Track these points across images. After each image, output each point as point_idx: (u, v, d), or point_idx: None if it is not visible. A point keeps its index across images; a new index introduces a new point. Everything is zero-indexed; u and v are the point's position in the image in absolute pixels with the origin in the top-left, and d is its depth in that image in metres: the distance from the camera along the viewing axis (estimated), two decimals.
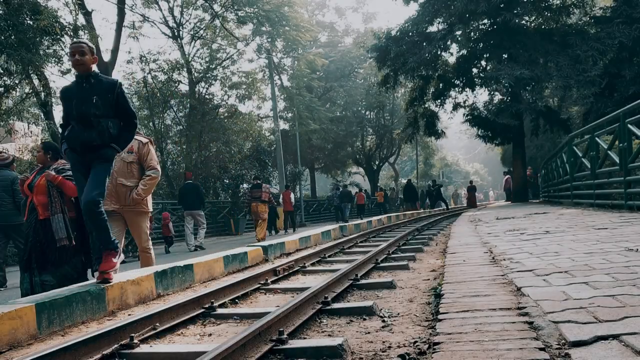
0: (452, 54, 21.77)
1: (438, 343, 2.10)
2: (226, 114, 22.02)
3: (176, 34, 21.04)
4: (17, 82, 13.55)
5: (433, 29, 20.16)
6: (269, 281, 5.29)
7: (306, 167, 34.10)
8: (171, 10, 21.12)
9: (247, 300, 4.59)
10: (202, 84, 21.11)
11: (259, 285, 5.11)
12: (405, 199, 27.76)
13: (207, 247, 12.06)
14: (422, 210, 26.43)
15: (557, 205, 13.05)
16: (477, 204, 29.63)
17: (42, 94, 14.51)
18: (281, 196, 18.30)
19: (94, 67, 4.18)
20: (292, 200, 18.29)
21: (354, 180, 39.12)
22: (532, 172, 25.47)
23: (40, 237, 4.76)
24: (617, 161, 8.12)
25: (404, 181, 35.25)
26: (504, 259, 4.06)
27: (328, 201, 30.71)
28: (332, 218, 28.11)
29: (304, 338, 3.07)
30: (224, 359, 2.42)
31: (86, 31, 13.97)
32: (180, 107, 20.90)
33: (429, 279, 4.85)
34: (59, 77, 19.31)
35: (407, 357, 2.43)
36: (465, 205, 29.55)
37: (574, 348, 1.82)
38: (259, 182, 13.15)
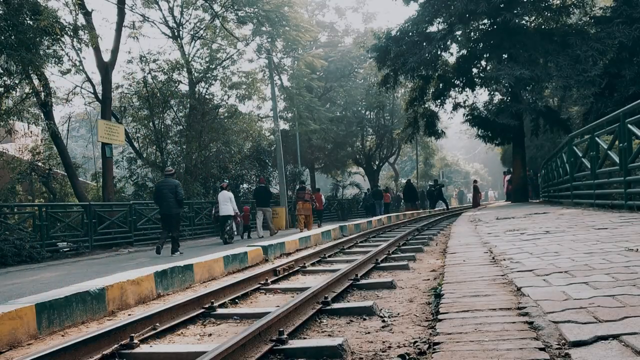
0: (452, 54, 21.74)
1: (438, 343, 2.10)
2: (226, 114, 22.00)
3: (176, 34, 21.02)
4: (17, 82, 13.53)
5: (433, 29, 20.14)
6: (269, 281, 5.29)
7: (306, 167, 34.06)
8: (171, 10, 21.11)
9: (247, 300, 4.59)
10: (202, 84, 21.08)
11: (259, 285, 5.11)
12: (406, 199, 27.86)
13: (207, 247, 12.06)
14: (422, 210, 26.45)
15: (557, 205, 13.05)
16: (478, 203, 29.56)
17: (42, 94, 14.49)
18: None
19: None
20: (323, 200, 21.91)
21: (354, 180, 39.07)
22: (532, 173, 25.46)
23: None
24: (617, 161, 8.11)
25: (404, 181, 35.27)
26: (504, 259, 4.05)
27: (328, 201, 30.78)
28: (332, 218, 28.12)
29: (304, 338, 3.07)
30: (224, 359, 2.43)
31: (86, 31, 13.95)
32: (180, 107, 20.86)
33: (429, 279, 4.85)
34: (59, 77, 19.29)
35: (407, 357, 2.43)
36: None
37: (574, 348, 1.82)
38: (303, 185, 16.89)
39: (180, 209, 10.43)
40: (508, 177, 25.07)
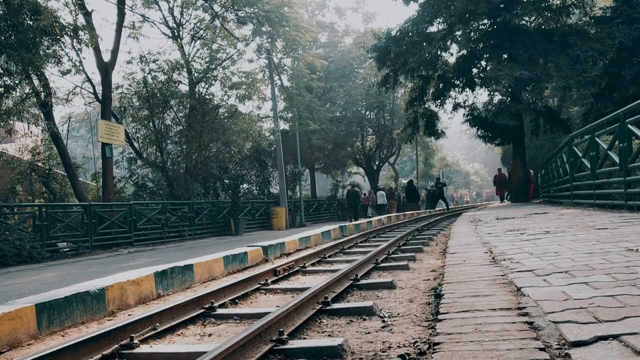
0: (452, 54, 21.74)
1: (438, 343, 2.10)
2: (226, 114, 21.98)
3: (176, 34, 21.00)
4: (17, 82, 13.51)
5: (433, 29, 20.13)
6: (269, 281, 5.29)
7: (306, 167, 34.03)
8: (171, 10, 21.09)
9: (247, 301, 4.60)
10: (202, 84, 21.05)
11: (259, 285, 5.11)
12: (408, 199, 27.98)
13: (206, 247, 12.07)
14: (422, 211, 26.46)
15: (557, 206, 13.05)
16: (479, 203, 29.72)
17: (42, 94, 14.48)
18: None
19: None
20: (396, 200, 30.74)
21: (354, 181, 39.03)
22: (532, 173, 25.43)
23: None
24: (617, 161, 8.11)
25: (404, 181, 35.29)
26: (504, 259, 4.05)
27: (328, 201, 30.79)
28: (332, 218, 28.11)
29: (304, 338, 3.07)
30: (224, 359, 2.43)
31: (86, 31, 13.94)
32: (180, 107, 20.84)
33: (429, 279, 4.85)
34: (59, 77, 19.24)
35: (407, 357, 2.43)
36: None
37: (574, 348, 1.82)
38: (392, 190, 29.48)
39: (359, 202, 23.88)
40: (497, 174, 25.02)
